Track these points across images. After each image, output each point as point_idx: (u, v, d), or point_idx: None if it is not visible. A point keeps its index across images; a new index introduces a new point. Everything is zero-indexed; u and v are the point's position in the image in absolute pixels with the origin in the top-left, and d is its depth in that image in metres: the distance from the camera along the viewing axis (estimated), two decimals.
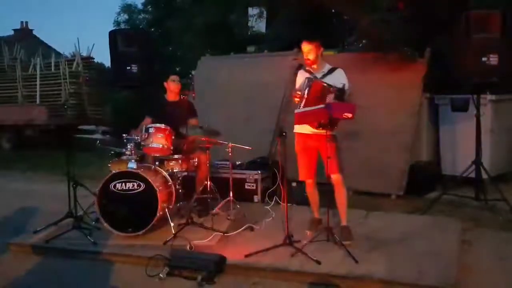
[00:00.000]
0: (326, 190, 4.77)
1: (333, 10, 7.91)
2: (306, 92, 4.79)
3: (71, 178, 5.51)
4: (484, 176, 6.13)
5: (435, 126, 7.51)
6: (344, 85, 4.80)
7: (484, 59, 5.73)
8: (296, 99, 4.84)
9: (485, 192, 6.03)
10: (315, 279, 4.20)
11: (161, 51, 11.47)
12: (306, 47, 4.97)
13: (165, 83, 6.28)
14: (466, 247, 4.84)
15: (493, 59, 5.71)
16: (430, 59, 7.26)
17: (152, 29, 14.55)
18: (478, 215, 5.82)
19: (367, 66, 7.35)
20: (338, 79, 4.92)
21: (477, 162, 6.05)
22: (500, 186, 6.08)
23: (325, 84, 4.77)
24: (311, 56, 4.96)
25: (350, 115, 4.58)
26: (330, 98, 4.70)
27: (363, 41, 7.66)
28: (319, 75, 4.97)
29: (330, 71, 4.99)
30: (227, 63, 9.20)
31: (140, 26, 14.76)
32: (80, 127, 5.90)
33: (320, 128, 4.75)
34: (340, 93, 4.74)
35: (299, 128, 5.05)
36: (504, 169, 7.18)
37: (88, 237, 5.11)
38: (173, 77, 6.25)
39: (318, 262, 4.34)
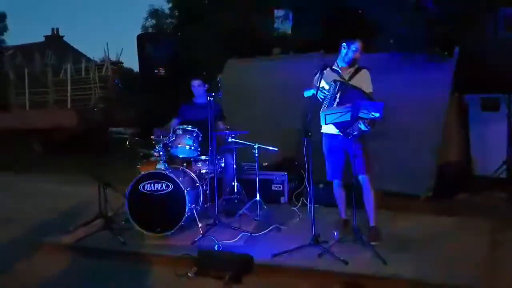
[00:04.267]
0: (353, 191, 4.74)
1: (359, 11, 7.85)
2: (338, 96, 4.78)
3: (101, 180, 5.61)
4: None
5: (464, 126, 7.39)
6: (371, 93, 4.80)
7: None
8: (323, 96, 4.85)
9: None
10: (343, 279, 4.18)
11: (188, 55, 11.55)
12: (360, 46, 4.96)
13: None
14: (496, 248, 4.74)
15: None
16: (459, 58, 7.14)
17: (179, 34, 14.68)
18: (509, 216, 5.69)
19: (394, 66, 7.28)
20: (364, 80, 4.92)
21: (509, 162, 5.95)
22: None
23: (359, 90, 4.76)
24: (359, 57, 4.98)
25: (377, 114, 4.55)
26: None
27: (391, 41, 7.58)
28: (346, 76, 4.96)
29: (356, 71, 4.98)
30: (253, 65, 9.23)
31: (168, 31, 14.91)
32: (109, 129, 6.01)
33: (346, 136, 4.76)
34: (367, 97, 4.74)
35: (326, 128, 5.04)
36: None
37: (118, 237, 5.19)
38: (193, 81, 6.33)
39: (346, 262, 4.32)
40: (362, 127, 4.65)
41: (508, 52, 5.69)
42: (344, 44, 4.98)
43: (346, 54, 4.97)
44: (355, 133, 4.70)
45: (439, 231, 5.21)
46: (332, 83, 4.85)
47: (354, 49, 4.93)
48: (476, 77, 6.85)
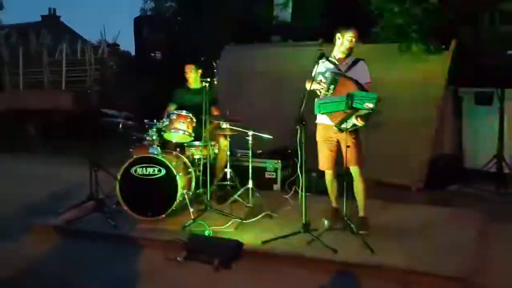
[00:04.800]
0: (345, 181, 4.77)
1: (358, 0, 7.83)
2: (332, 88, 4.77)
3: (93, 162, 5.62)
4: (506, 170, 6.05)
5: (458, 119, 7.41)
6: (367, 83, 4.79)
7: (509, 52, 5.64)
8: (319, 88, 4.85)
9: (506, 186, 5.96)
10: (331, 267, 4.22)
11: (186, 39, 11.49)
12: (354, 34, 4.94)
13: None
14: (484, 240, 4.80)
15: None
16: (455, 51, 7.15)
17: (178, 18, 14.61)
18: (498, 209, 5.75)
19: (391, 57, 7.29)
20: (361, 72, 4.91)
21: (499, 156, 5.98)
22: None
23: (354, 81, 4.74)
24: (354, 45, 4.96)
25: (371, 105, 4.55)
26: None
27: (388, 32, 7.57)
28: (343, 68, 4.95)
29: (354, 63, 4.97)
30: (251, 52, 9.20)
31: (166, 14, 14.82)
32: (103, 110, 6.00)
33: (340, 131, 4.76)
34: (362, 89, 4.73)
35: (321, 118, 5.06)
36: None
37: (109, 220, 5.21)
38: (187, 67, 6.33)
39: (335, 250, 4.36)
40: (356, 123, 4.66)
41: (503, 47, 5.69)
42: (338, 34, 4.98)
43: (342, 44, 4.97)
44: (349, 127, 4.72)
45: (429, 222, 5.25)
46: (328, 74, 4.85)
47: (348, 38, 4.93)
48: (471, 70, 6.87)
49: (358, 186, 5.00)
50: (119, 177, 5.33)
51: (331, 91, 4.75)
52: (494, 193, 6.03)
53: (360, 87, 4.68)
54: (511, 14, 5.78)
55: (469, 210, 5.66)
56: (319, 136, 5.16)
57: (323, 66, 4.98)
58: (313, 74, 4.86)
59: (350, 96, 4.54)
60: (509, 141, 6.42)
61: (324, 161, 5.15)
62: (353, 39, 4.93)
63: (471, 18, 6.85)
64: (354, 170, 4.96)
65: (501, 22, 5.79)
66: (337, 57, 5.03)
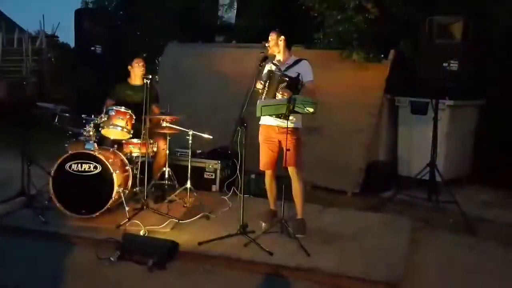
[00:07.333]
0: (283, 183, 4.81)
1: (303, 7, 7.92)
2: (266, 84, 4.86)
3: (26, 156, 5.40)
4: (438, 179, 6.26)
5: (394, 127, 7.63)
6: (298, 74, 4.87)
7: (444, 64, 5.85)
8: (259, 89, 4.92)
9: (437, 194, 6.18)
10: (266, 269, 4.25)
11: (128, 35, 11.26)
12: (272, 37, 5.06)
13: (129, 67, 6.21)
14: (415, 246, 4.96)
15: (453, 65, 5.82)
16: (394, 61, 7.37)
17: (121, 12, 14.30)
18: (429, 215, 5.95)
19: (332, 63, 7.41)
20: (303, 70, 5.00)
21: (432, 164, 6.19)
22: (453, 189, 6.23)
23: (278, 73, 4.87)
24: (276, 48, 5.05)
25: (311, 110, 4.63)
26: (282, 87, 4.76)
27: (330, 38, 7.71)
28: (283, 67, 5.03)
29: (295, 63, 5.07)
30: (194, 51, 9.13)
31: (109, 8, 14.48)
32: (38, 103, 5.79)
33: (281, 117, 4.79)
34: (292, 82, 4.80)
35: (264, 119, 5.10)
36: (457, 173, 7.34)
37: (40, 216, 5.03)
38: (137, 60, 6.18)
39: (270, 253, 4.40)
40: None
41: (438, 58, 5.89)
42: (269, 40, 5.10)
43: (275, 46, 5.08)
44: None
45: (363, 227, 5.37)
46: (266, 73, 4.97)
47: (275, 41, 5.06)
48: (408, 80, 7.09)
49: (296, 188, 5.05)
50: (52, 172, 5.14)
51: (266, 88, 4.85)
52: (426, 200, 6.23)
53: (290, 81, 4.79)
54: (446, 28, 5.98)
55: (402, 216, 5.83)
56: (261, 137, 5.20)
57: (267, 68, 5.05)
58: (263, 79, 4.92)
59: (292, 100, 4.61)
60: (442, 150, 6.67)
61: (265, 161, 5.19)
62: (279, 41, 5.06)
63: (410, 30, 7.07)
64: (292, 170, 5.01)
65: (437, 36, 5.99)
66: (279, 59, 5.13)
